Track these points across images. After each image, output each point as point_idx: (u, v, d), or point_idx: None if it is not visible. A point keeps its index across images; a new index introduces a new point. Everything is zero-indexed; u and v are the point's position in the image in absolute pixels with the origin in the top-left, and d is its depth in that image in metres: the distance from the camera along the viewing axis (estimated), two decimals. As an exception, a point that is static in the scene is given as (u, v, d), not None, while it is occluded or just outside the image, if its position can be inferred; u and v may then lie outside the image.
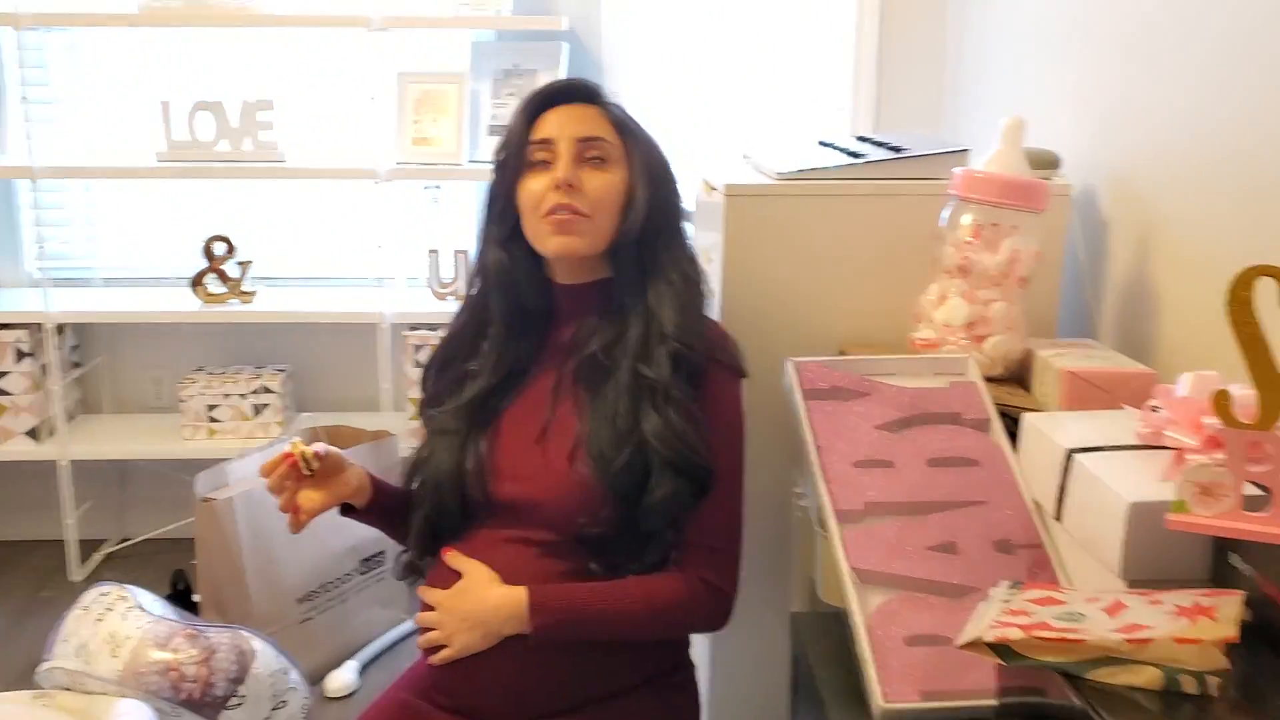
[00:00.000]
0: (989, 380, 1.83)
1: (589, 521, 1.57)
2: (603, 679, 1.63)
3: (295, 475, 1.61)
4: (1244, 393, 1.16)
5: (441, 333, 1.83)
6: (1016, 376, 1.88)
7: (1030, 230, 1.82)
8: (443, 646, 1.59)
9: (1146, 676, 1.07)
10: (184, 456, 3.43)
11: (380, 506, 1.74)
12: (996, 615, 1.19)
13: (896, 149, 2.06)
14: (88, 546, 3.62)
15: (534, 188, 1.61)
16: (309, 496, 1.63)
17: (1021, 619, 1.17)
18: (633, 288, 1.64)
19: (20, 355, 3.39)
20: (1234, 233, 1.66)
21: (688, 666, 1.77)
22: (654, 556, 1.60)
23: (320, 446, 1.63)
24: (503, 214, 1.65)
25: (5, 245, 3.62)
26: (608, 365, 1.61)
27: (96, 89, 3.56)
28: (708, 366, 1.62)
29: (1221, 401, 1.15)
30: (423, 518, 1.67)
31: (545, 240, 1.62)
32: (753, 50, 3.36)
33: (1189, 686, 1.06)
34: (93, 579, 3.50)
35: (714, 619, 1.65)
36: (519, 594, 1.55)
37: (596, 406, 1.59)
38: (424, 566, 1.72)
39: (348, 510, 1.73)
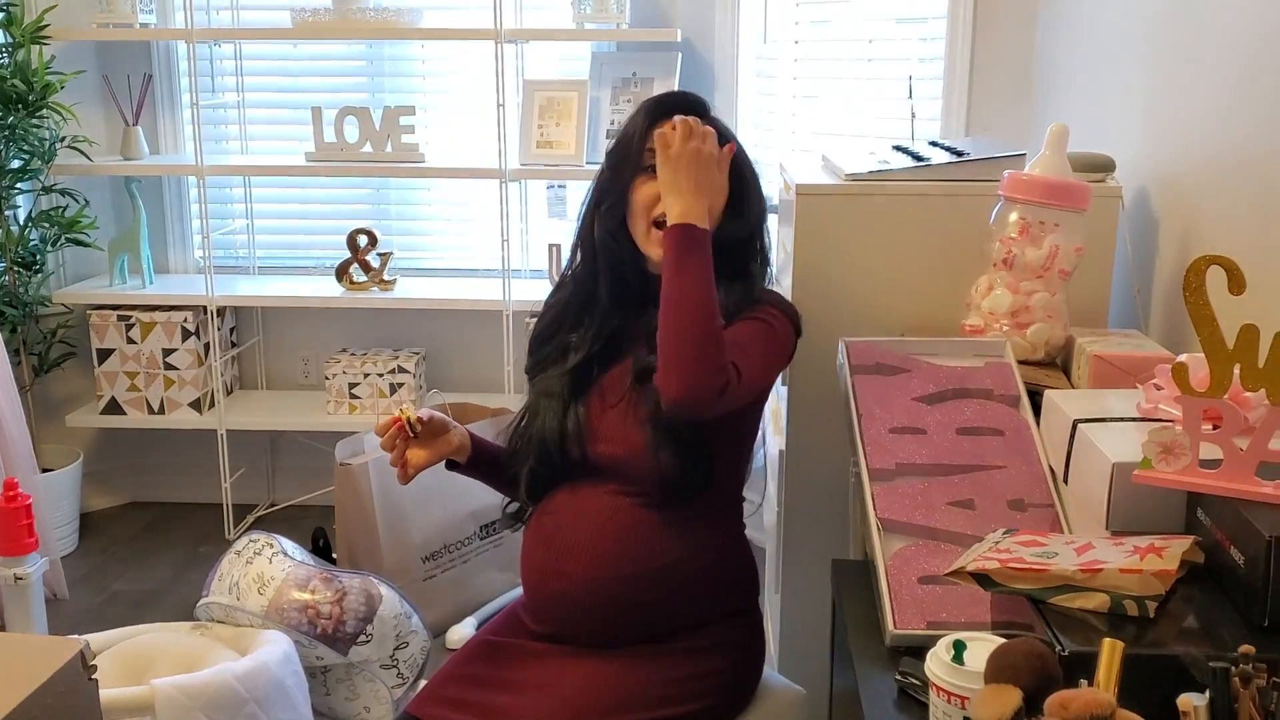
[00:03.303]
0: (1032, 364, 2.01)
1: (655, 475, 1.80)
2: (681, 614, 1.86)
3: (403, 436, 1.89)
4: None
5: (548, 299, 2.03)
6: (1061, 363, 2.06)
7: (1073, 228, 2.00)
8: None
9: (1096, 601, 1.27)
10: (327, 429, 3.79)
11: (480, 462, 2.02)
12: (983, 552, 1.40)
13: (959, 153, 2.25)
14: (241, 510, 4.02)
15: (648, 192, 1.84)
16: (415, 453, 1.91)
17: (1003, 555, 1.38)
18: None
19: (186, 334, 3.79)
20: (1265, 232, 1.81)
21: (756, 609, 1.99)
22: (712, 484, 1.83)
23: (425, 412, 1.91)
24: (613, 208, 1.88)
25: (175, 236, 4.04)
26: None
27: (256, 97, 3.96)
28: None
29: (1179, 373, 1.34)
30: (529, 470, 1.92)
31: (649, 246, 1.85)
32: (852, 62, 3.55)
33: (1131, 610, 1.25)
34: (245, 538, 3.88)
35: (718, 385, 1.69)
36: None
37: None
38: (528, 515, 1.98)
39: (453, 465, 2.00)
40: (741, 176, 1.90)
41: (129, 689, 2.17)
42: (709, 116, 1.89)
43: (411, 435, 1.88)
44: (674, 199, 1.77)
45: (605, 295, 1.91)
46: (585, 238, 1.94)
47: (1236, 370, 1.32)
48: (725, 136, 1.88)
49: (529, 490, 1.93)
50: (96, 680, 1.45)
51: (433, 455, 1.93)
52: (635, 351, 1.88)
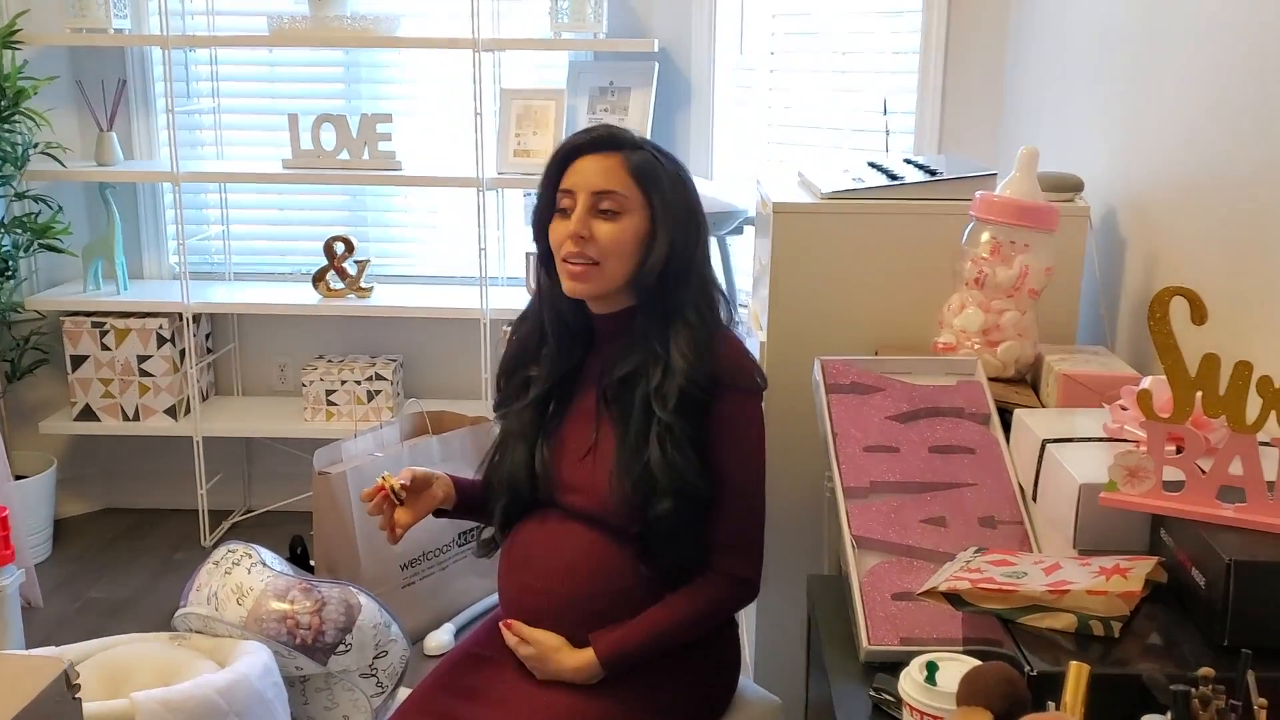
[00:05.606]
0: (1003, 381, 2.06)
1: (627, 527, 1.82)
2: None
3: (389, 503, 1.92)
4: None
5: (510, 335, 2.06)
6: (1030, 379, 2.10)
7: (1042, 248, 2.04)
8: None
9: (1064, 621, 1.31)
10: (304, 436, 3.80)
11: (465, 504, 2.04)
12: (955, 571, 1.44)
13: (933, 172, 2.29)
14: (217, 516, 4.02)
15: (557, 233, 1.84)
16: (402, 514, 1.94)
17: (974, 575, 1.41)
18: (655, 325, 1.84)
19: (161, 341, 3.79)
20: (1228, 254, 1.85)
21: (731, 623, 2.02)
22: (688, 553, 1.85)
23: (406, 475, 1.93)
24: (538, 242, 1.91)
25: (150, 242, 4.04)
26: (628, 396, 1.83)
27: (232, 103, 3.97)
28: (718, 395, 1.81)
29: (1144, 399, 1.38)
30: (501, 508, 1.95)
31: (562, 281, 1.85)
32: (828, 74, 3.58)
33: (1097, 630, 1.29)
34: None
35: (745, 602, 1.91)
36: (589, 655, 1.81)
37: (622, 432, 1.83)
38: (499, 543, 2.01)
39: (439, 513, 2.03)
40: (663, 204, 1.82)
41: (109, 703, 2.18)
42: (624, 147, 1.83)
43: (398, 503, 1.91)
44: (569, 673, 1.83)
45: (550, 335, 1.93)
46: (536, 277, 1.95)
47: (1199, 396, 1.36)
48: (646, 172, 1.82)
49: (501, 524, 1.96)
50: (80, 699, 1.47)
51: (419, 512, 1.96)
52: (591, 384, 1.90)
